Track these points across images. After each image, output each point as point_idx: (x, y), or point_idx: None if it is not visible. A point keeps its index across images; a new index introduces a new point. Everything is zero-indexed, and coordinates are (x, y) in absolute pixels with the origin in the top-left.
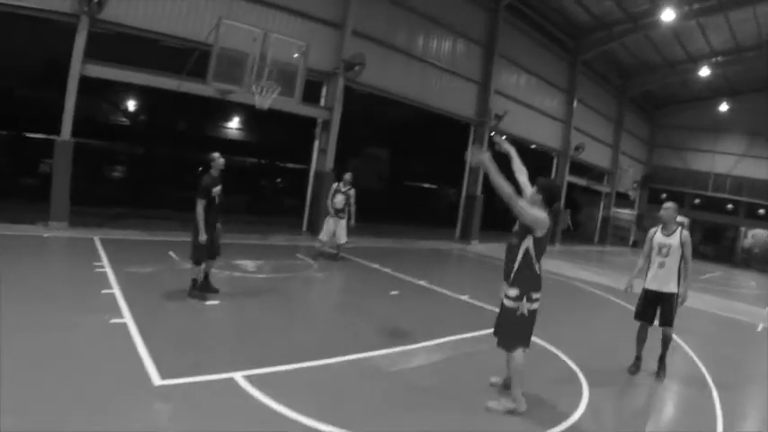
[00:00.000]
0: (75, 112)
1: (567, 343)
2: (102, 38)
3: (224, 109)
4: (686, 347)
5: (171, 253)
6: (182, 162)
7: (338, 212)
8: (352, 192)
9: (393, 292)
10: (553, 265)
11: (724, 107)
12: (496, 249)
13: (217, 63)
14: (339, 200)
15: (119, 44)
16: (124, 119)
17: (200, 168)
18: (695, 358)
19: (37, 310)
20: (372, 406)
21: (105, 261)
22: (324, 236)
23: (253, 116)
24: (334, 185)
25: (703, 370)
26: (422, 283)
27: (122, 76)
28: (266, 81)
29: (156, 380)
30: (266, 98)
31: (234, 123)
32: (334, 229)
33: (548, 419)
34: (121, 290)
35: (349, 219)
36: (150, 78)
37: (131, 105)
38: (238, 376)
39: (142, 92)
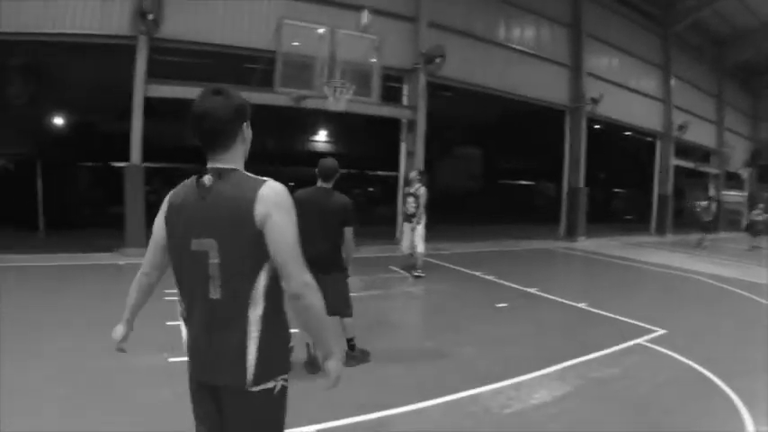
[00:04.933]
0: (165, 139)
1: (722, 363)
2: (170, 62)
3: (311, 122)
4: None
5: None
6: (275, 178)
7: (410, 218)
8: (422, 191)
9: (500, 305)
10: (670, 258)
11: None
12: (606, 245)
13: (284, 68)
14: (409, 203)
15: (185, 64)
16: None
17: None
18: None
19: (89, 346)
20: None
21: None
22: (404, 247)
23: (341, 127)
24: (405, 189)
25: None
26: (531, 290)
27: (186, 93)
28: (339, 81)
29: None
30: (340, 99)
31: (322, 136)
32: (411, 239)
33: None
34: None
35: (417, 221)
36: None
37: None
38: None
39: None
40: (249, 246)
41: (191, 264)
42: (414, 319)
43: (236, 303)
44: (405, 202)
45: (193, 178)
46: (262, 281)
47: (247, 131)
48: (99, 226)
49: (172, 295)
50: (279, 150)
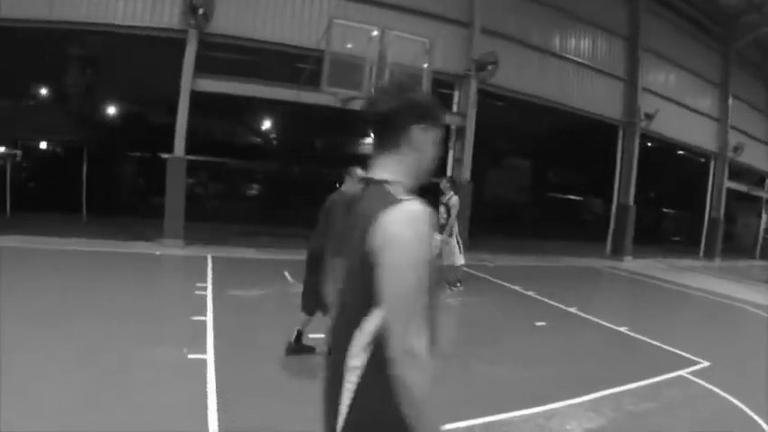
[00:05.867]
0: (214, 134)
1: None
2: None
3: (361, 125)
4: None
5: (286, 273)
6: (319, 179)
7: (441, 228)
8: (454, 201)
9: (538, 323)
10: (719, 284)
11: None
12: (652, 267)
13: (332, 68)
14: (441, 212)
15: (234, 60)
16: (258, 138)
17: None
18: None
19: (113, 334)
20: None
21: (209, 282)
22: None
23: None
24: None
25: None
26: (572, 310)
27: (234, 88)
28: (386, 82)
29: None
30: None
31: (370, 140)
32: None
33: None
34: (215, 318)
35: (448, 233)
36: (264, 90)
37: (268, 125)
38: None
39: (277, 111)
40: (364, 279)
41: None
42: (447, 332)
43: (343, 340)
44: (438, 211)
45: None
46: (370, 325)
47: (422, 137)
48: (143, 215)
49: (202, 290)
50: (327, 151)
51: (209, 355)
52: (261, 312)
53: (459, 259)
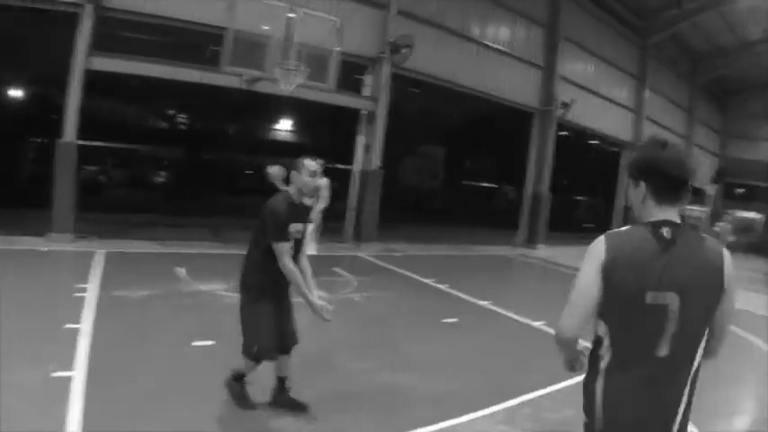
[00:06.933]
0: (121, 118)
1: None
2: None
3: (275, 110)
4: None
5: (178, 270)
6: (233, 166)
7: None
8: (324, 182)
9: (449, 320)
10: None
11: None
12: (566, 254)
13: (234, 46)
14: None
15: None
16: (166, 123)
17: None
18: None
19: None
20: None
21: (94, 282)
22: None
23: (307, 117)
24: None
25: None
26: (484, 303)
27: (133, 68)
28: (293, 63)
29: None
30: (291, 81)
31: (285, 125)
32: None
33: None
34: (93, 325)
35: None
36: (166, 70)
37: (180, 109)
38: None
39: (189, 95)
40: (710, 306)
41: (641, 318)
42: (347, 334)
43: (683, 363)
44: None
45: (646, 229)
46: (704, 342)
47: None
48: (43, 206)
49: (82, 291)
50: (240, 137)
51: (78, 373)
52: (147, 317)
53: (311, 248)
